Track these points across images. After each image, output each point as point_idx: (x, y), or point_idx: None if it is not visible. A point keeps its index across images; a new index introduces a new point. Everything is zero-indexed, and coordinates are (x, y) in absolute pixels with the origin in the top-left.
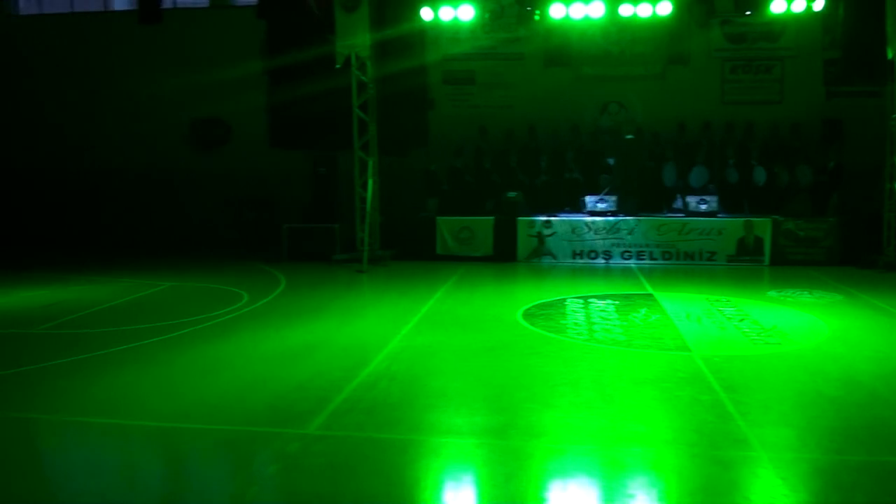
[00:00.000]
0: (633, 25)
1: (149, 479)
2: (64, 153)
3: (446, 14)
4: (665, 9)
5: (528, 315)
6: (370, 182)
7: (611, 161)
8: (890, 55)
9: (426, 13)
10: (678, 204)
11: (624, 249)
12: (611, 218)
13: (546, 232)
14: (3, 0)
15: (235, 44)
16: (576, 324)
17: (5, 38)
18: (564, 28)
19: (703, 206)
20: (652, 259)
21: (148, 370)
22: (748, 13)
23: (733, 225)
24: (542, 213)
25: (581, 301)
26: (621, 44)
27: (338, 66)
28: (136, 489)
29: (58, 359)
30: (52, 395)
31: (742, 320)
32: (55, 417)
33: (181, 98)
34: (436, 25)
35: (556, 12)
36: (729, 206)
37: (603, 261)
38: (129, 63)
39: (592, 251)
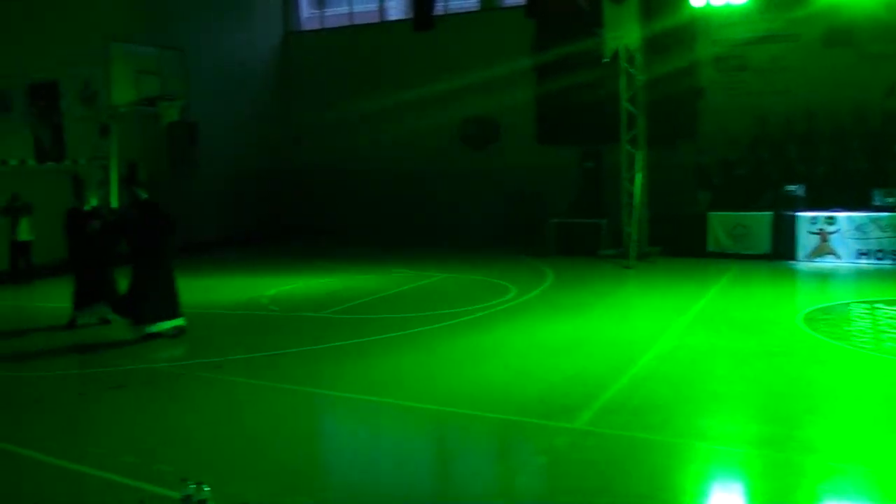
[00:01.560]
0: None
1: (419, 456)
2: (343, 155)
3: None
4: None
5: (808, 319)
6: (638, 176)
7: None
8: None
9: (696, 0)
10: None
11: None
12: None
13: (829, 229)
14: (287, 18)
15: (504, 44)
16: (861, 331)
17: (290, 51)
18: (845, 3)
19: None
20: None
21: (423, 355)
22: None
23: None
24: (824, 208)
25: (867, 306)
26: None
27: (606, 59)
28: (406, 465)
29: (343, 340)
30: (336, 373)
31: None
32: (338, 393)
33: (453, 99)
34: (706, 12)
35: None
36: None
37: (892, 262)
38: (403, 68)
39: (880, 251)
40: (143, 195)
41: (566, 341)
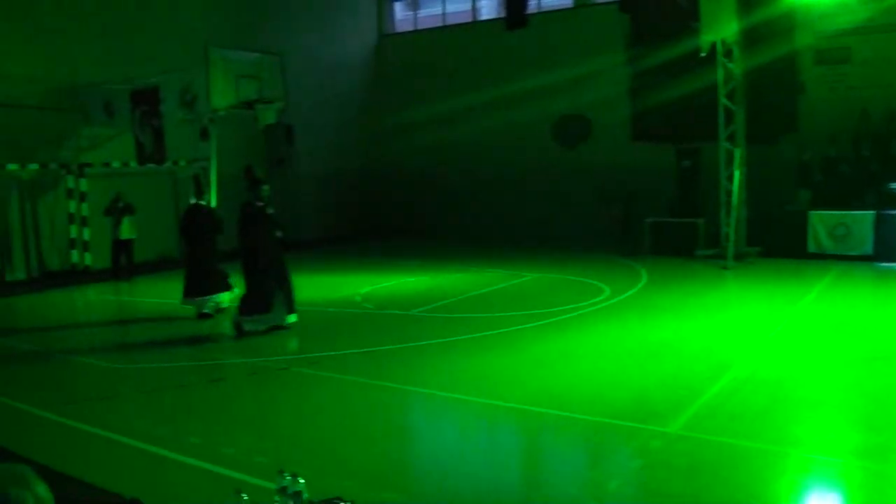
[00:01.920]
0: None
1: (510, 456)
2: (435, 154)
3: None
4: None
5: None
6: (736, 174)
7: None
8: None
9: None
10: None
11: None
12: None
13: None
14: (381, 20)
15: (598, 40)
16: None
17: (383, 53)
18: None
19: None
20: None
21: (514, 355)
22: None
23: None
24: None
25: None
26: None
27: (703, 54)
28: (497, 464)
29: (434, 338)
30: (428, 371)
31: None
32: (430, 391)
33: (545, 97)
34: (806, 2)
35: None
36: None
37: None
38: (495, 67)
39: None
40: (266, 193)
41: (661, 343)
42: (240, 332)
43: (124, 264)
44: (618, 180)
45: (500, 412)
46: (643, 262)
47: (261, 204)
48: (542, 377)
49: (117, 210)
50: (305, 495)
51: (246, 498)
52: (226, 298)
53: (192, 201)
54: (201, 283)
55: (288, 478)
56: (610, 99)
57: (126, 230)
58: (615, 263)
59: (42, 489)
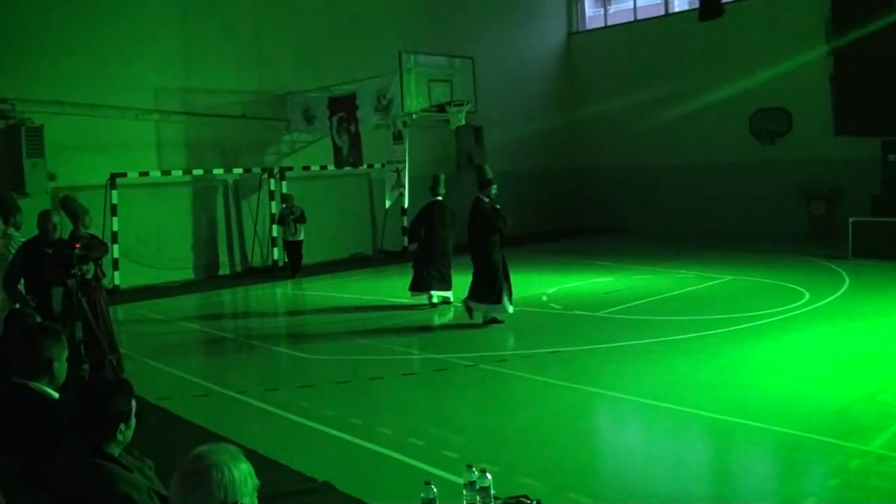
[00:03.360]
0: None
1: (698, 465)
2: (625, 151)
3: None
4: None
5: None
6: None
7: None
8: None
9: None
10: None
11: None
12: None
13: None
14: (571, 18)
15: (797, 29)
16: None
17: (573, 51)
18: None
19: None
20: None
21: (705, 360)
22: None
23: None
24: None
25: None
26: None
27: None
28: (684, 473)
29: (622, 341)
30: (614, 373)
31: None
32: (616, 394)
33: (741, 90)
34: None
35: None
36: None
37: None
38: (688, 60)
39: None
40: (494, 193)
41: (863, 354)
42: (470, 315)
43: (294, 261)
44: (819, 176)
45: (689, 419)
46: (846, 264)
47: (488, 200)
48: (736, 385)
49: (289, 222)
50: (493, 491)
51: (435, 490)
52: (439, 296)
53: (433, 197)
54: (426, 276)
55: (476, 473)
56: (811, 90)
57: (299, 234)
58: (816, 266)
59: (247, 467)
